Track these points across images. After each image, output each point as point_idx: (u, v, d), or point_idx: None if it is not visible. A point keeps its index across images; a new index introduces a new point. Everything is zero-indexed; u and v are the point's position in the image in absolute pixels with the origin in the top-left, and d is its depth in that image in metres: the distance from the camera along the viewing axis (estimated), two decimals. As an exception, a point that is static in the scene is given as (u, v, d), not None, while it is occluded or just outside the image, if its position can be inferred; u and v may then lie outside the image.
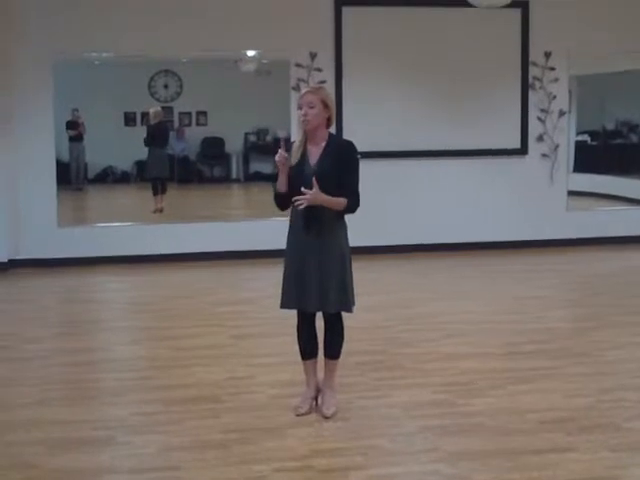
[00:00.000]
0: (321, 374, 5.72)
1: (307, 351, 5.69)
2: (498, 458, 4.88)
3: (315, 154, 5.41)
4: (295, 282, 5.46)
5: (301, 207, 5.25)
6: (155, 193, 13.84)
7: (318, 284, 5.40)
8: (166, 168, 14.24)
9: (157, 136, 13.95)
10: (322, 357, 5.68)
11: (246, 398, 5.96)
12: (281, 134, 13.12)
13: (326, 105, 5.37)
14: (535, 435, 5.21)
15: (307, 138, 5.43)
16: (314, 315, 5.59)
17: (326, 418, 5.49)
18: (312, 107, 5.33)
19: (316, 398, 5.69)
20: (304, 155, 5.41)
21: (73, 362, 7.00)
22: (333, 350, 5.62)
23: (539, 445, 5.04)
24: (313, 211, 5.32)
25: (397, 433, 5.33)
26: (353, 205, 5.41)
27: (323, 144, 5.41)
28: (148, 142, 13.83)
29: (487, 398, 5.90)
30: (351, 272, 5.58)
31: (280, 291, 5.57)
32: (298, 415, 5.55)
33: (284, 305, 5.56)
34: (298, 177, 5.32)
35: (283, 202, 5.49)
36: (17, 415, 5.70)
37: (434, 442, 5.15)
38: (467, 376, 6.39)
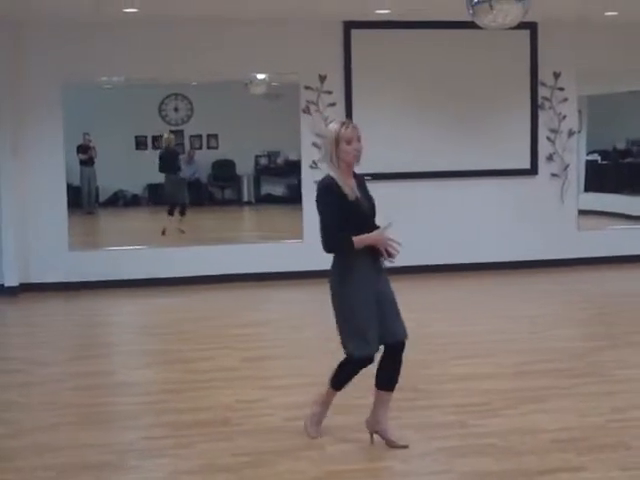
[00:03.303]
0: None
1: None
2: (510, 478, 4.86)
3: (352, 187, 5.35)
4: (379, 318, 5.33)
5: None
6: (170, 214, 13.96)
7: (396, 314, 5.43)
8: (183, 193, 14.42)
9: (169, 161, 14.08)
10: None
11: (258, 421, 5.95)
12: (292, 156, 13.16)
13: None
14: (547, 455, 5.19)
15: (344, 172, 5.34)
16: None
17: (401, 447, 5.38)
18: (360, 141, 5.35)
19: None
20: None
21: (85, 386, 7.00)
22: (396, 380, 5.50)
23: (551, 465, 5.02)
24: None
25: (409, 455, 5.31)
26: None
27: (351, 177, 5.39)
28: (161, 168, 14.03)
29: (499, 418, 5.88)
30: None
31: (358, 343, 5.32)
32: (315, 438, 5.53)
33: (374, 349, 5.37)
34: (360, 212, 5.29)
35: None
36: (29, 439, 5.70)
37: (446, 463, 5.13)
38: (479, 397, 6.37)
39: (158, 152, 14.37)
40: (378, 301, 5.34)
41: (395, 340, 5.37)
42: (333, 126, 5.37)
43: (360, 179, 5.47)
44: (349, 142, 5.29)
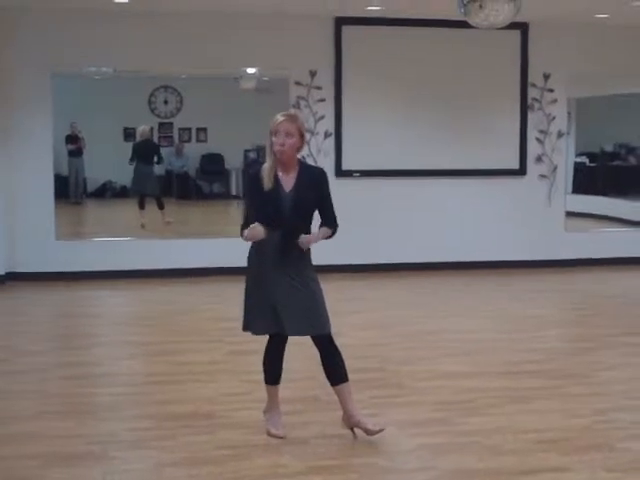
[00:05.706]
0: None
1: (279, 375, 5.59)
2: (493, 477, 4.85)
3: (288, 181, 5.30)
4: (276, 307, 5.33)
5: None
6: (140, 208, 13.90)
7: (305, 308, 5.30)
8: (152, 185, 14.29)
9: (141, 153, 14.05)
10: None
11: (241, 415, 5.93)
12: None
13: (301, 134, 5.32)
14: (530, 455, 5.19)
15: (277, 164, 5.30)
16: (286, 339, 5.50)
17: (378, 431, 5.37)
18: (290, 136, 5.23)
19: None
20: (277, 181, 5.28)
21: (69, 376, 6.98)
22: (344, 371, 5.44)
23: (534, 465, 5.02)
24: (290, 237, 5.26)
25: (392, 451, 5.31)
26: (336, 230, 5.46)
27: (295, 172, 5.32)
28: (132, 159, 14.02)
29: (484, 417, 5.88)
30: None
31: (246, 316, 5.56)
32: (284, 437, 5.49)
33: (261, 331, 5.47)
34: (273, 204, 5.25)
35: None
36: (12, 429, 5.68)
37: (430, 460, 5.13)
38: (464, 395, 6.38)
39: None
40: (282, 290, 5.34)
41: (292, 334, 5.38)
42: (274, 117, 5.35)
43: (307, 173, 5.38)
44: (274, 134, 5.26)
